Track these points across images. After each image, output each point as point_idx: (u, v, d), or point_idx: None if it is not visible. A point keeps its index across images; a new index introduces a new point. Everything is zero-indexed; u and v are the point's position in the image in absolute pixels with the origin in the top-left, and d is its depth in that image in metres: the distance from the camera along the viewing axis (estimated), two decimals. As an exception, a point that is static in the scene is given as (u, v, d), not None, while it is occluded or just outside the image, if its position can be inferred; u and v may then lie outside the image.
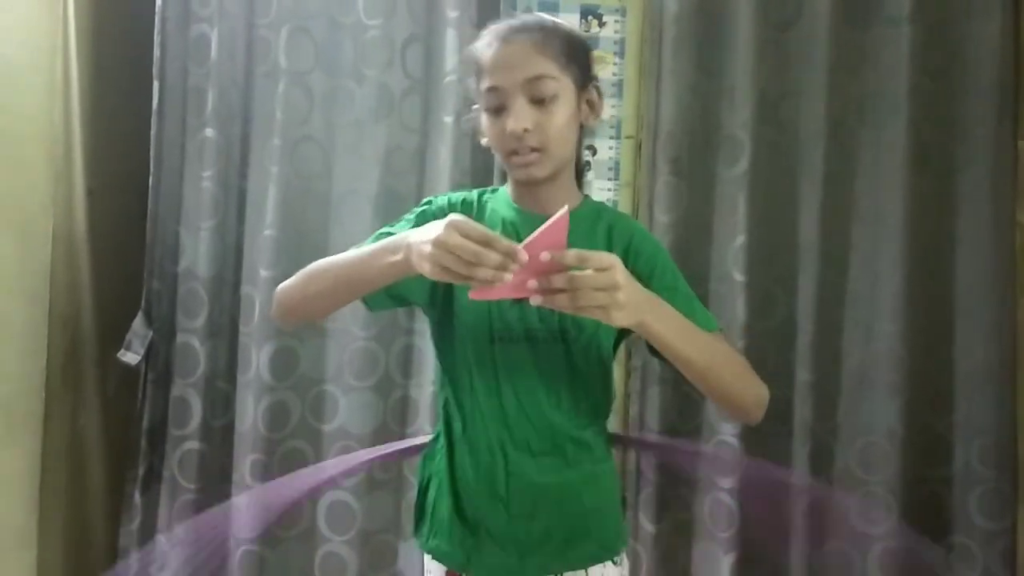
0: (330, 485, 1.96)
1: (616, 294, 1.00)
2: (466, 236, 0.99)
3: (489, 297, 1.03)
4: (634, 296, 1.03)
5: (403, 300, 1.27)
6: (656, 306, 1.09)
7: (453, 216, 1.02)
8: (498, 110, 1.20)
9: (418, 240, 1.04)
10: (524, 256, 1.00)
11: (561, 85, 1.19)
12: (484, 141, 1.27)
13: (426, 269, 1.03)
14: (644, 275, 1.21)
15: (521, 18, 1.24)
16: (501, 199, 1.29)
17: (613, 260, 1.01)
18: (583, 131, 1.28)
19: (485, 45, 1.22)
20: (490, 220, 1.26)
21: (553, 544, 1.22)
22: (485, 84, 1.21)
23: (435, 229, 1.01)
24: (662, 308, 1.10)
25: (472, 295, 1.02)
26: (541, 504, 1.22)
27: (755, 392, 1.20)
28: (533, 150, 1.19)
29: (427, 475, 1.30)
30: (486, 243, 0.99)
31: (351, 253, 1.18)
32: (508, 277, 0.99)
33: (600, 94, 1.27)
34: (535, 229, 1.03)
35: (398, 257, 1.08)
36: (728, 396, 1.18)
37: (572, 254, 1.00)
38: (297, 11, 2.02)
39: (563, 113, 1.20)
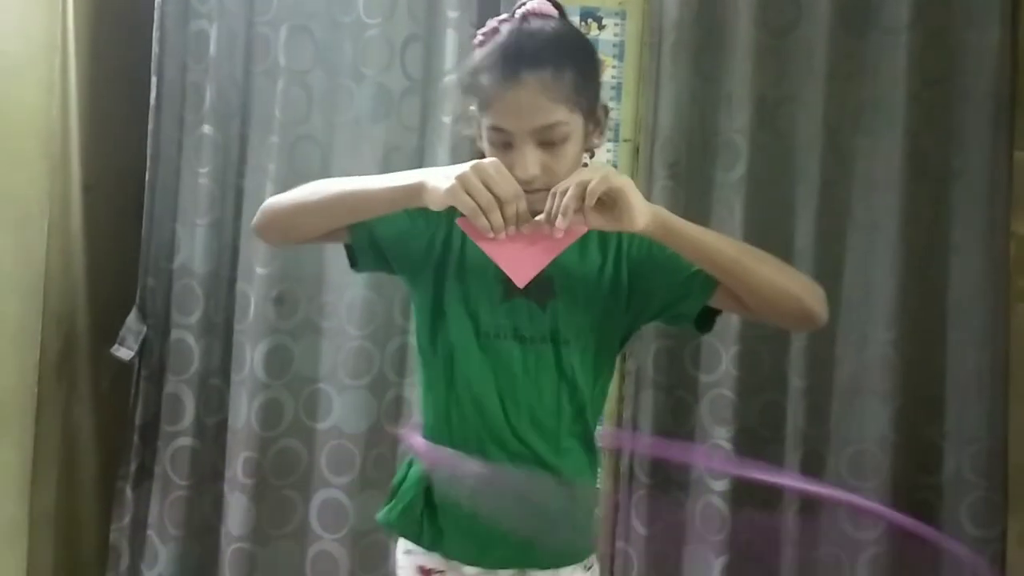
0: None
1: (595, 174, 1.05)
2: (505, 178, 1.06)
3: (477, 241, 1.09)
4: (632, 187, 1.08)
5: (389, 263, 1.25)
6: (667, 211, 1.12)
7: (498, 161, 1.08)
8: (504, 146, 1.15)
9: (445, 169, 1.08)
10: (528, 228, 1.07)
11: (571, 127, 1.14)
12: (480, 145, 1.23)
13: (448, 184, 1.04)
14: (643, 252, 1.21)
15: (529, 36, 1.14)
16: None
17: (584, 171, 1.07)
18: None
19: (490, 75, 1.13)
20: None
21: (514, 542, 1.20)
22: (490, 120, 1.15)
23: (474, 162, 1.06)
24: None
25: (460, 221, 1.09)
26: (508, 504, 1.20)
27: (803, 280, 1.16)
28: (540, 190, 1.15)
29: (408, 464, 1.30)
30: (516, 195, 1.05)
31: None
32: (502, 234, 1.05)
33: (607, 113, 1.23)
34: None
35: (411, 181, 1.09)
36: (772, 288, 1.12)
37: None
38: (297, 9, 2.01)
39: (572, 153, 1.15)
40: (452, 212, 1.10)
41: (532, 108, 1.11)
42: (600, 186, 1.03)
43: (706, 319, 1.21)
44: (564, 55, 1.14)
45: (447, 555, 1.24)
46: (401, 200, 1.11)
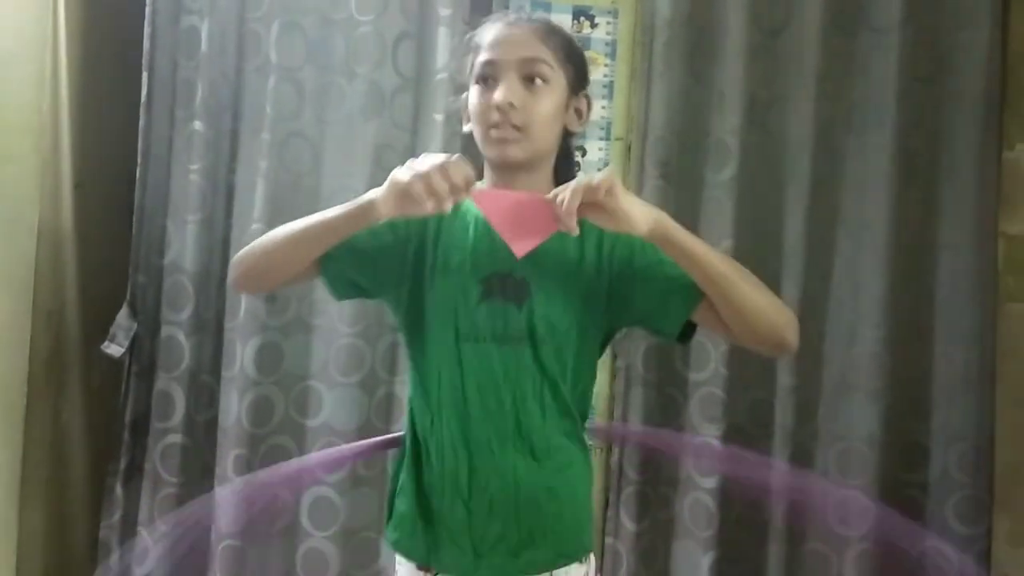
0: (311, 479, 1.97)
1: (611, 185, 1.07)
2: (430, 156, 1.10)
3: (487, 211, 1.15)
4: (637, 201, 1.11)
5: (365, 290, 1.28)
6: (669, 218, 1.13)
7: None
8: (488, 82, 1.21)
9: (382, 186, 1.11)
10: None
11: (554, 75, 1.21)
12: (467, 127, 1.27)
13: (390, 190, 1.09)
14: (625, 256, 1.22)
15: (529, 12, 1.29)
16: None
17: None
18: (568, 136, 1.29)
19: (488, 26, 1.25)
20: (464, 216, 1.26)
21: (508, 546, 1.21)
22: (481, 58, 1.22)
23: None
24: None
25: (474, 194, 1.12)
26: (499, 504, 1.21)
27: (783, 307, 1.19)
28: (515, 128, 1.19)
29: (397, 471, 1.31)
30: (447, 162, 1.08)
31: None
32: (448, 203, 1.07)
33: (589, 104, 1.28)
34: None
35: (362, 199, 1.13)
36: (755, 309, 1.15)
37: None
38: (289, 6, 2.01)
39: (551, 101, 1.21)
40: (420, 223, 1.22)
41: (521, 41, 1.21)
42: (611, 199, 1.07)
43: (685, 331, 1.23)
44: (557, 28, 1.26)
45: (442, 568, 1.24)
46: (357, 217, 1.14)
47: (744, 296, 1.14)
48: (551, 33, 1.23)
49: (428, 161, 1.07)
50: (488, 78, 1.21)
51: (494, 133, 1.20)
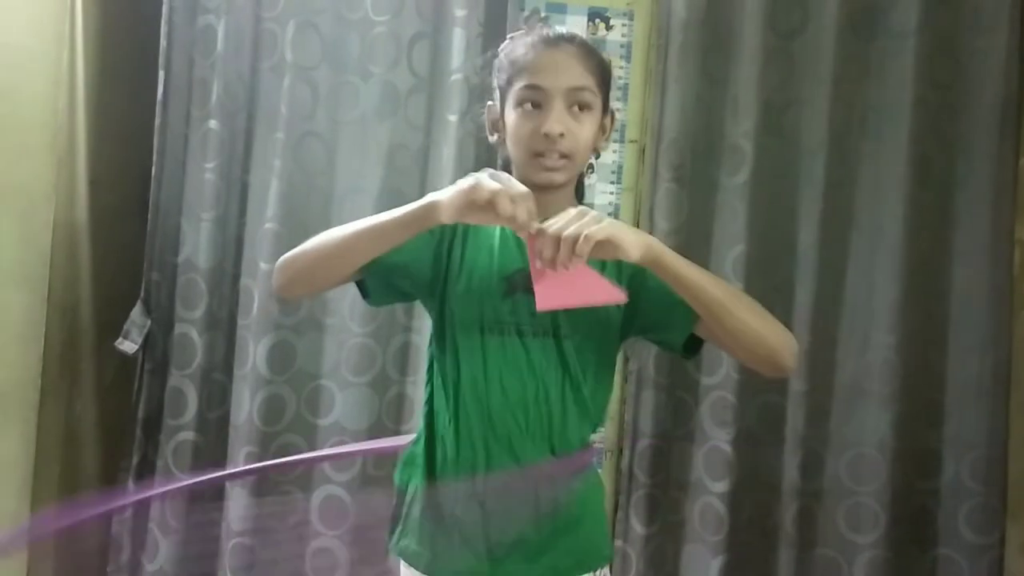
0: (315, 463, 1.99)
1: (589, 219, 1.07)
2: (510, 179, 1.10)
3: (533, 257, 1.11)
4: (623, 226, 1.11)
5: (404, 293, 1.28)
6: (661, 244, 1.14)
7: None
8: (534, 106, 1.21)
9: (448, 189, 1.11)
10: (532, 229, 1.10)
11: (595, 100, 1.23)
12: (492, 139, 1.29)
13: (461, 187, 1.08)
14: (638, 273, 1.22)
15: (559, 29, 1.27)
16: None
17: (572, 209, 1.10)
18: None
19: (527, 46, 1.24)
20: (489, 226, 1.26)
21: (526, 551, 1.21)
22: (524, 81, 1.22)
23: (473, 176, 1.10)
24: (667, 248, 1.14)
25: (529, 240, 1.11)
26: (517, 505, 1.21)
27: (780, 331, 1.18)
28: (561, 156, 1.21)
29: (406, 477, 1.29)
30: (524, 193, 1.09)
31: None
32: (533, 226, 1.08)
33: (614, 118, 1.30)
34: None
35: (422, 203, 1.12)
36: (752, 333, 1.15)
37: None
38: (304, 6, 2.02)
39: (592, 127, 1.24)
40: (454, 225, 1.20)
41: (567, 68, 1.22)
42: (585, 246, 1.06)
43: (692, 346, 1.24)
44: (593, 49, 1.27)
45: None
46: (416, 222, 1.13)
47: (737, 321, 1.15)
48: (590, 56, 1.24)
49: (502, 182, 1.08)
50: (533, 103, 1.21)
51: (542, 161, 1.21)
